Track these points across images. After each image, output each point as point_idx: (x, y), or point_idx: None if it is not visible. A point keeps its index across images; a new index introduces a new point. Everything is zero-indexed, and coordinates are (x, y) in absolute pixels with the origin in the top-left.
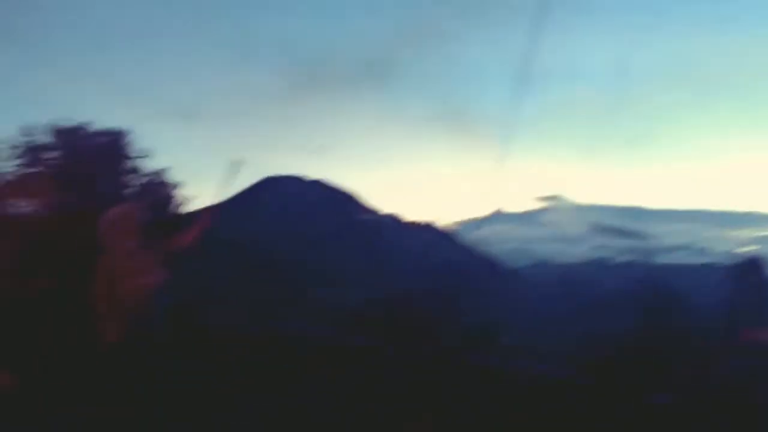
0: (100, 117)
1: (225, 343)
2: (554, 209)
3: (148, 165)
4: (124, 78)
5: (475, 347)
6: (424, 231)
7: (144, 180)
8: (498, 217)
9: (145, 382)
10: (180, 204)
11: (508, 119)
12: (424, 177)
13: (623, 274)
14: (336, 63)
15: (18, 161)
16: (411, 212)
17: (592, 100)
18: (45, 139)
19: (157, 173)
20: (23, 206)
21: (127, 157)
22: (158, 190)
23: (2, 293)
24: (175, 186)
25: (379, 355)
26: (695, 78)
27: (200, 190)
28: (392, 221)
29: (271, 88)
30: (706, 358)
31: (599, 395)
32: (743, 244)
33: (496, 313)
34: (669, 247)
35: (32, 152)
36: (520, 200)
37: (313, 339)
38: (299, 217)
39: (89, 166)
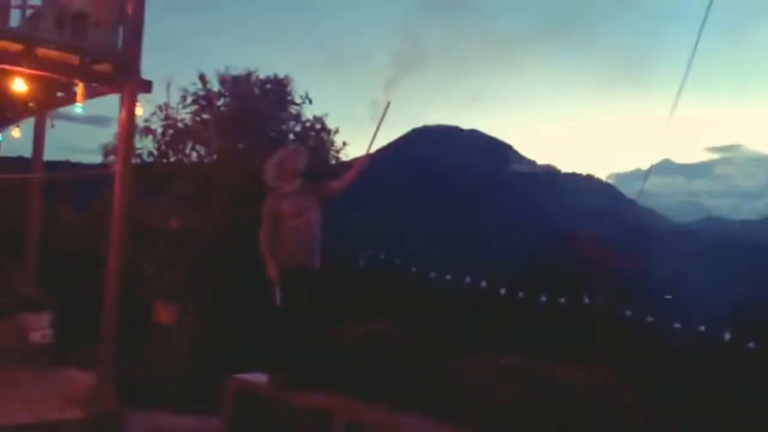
0: (261, 64)
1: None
2: (729, 160)
3: (309, 111)
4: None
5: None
6: (584, 182)
7: (305, 125)
8: (666, 168)
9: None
10: (338, 149)
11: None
12: (589, 126)
13: None
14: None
15: (191, 108)
16: (572, 163)
17: None
18: (215, 86)
19: (317, 119)
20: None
21: (291, 104)
22: (318, 136)
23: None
24: (333, 132)
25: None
26: None
27: (357, 136)
28: (550, 172)
29: (441, 41)
30: None
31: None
32: None
33: (658, 272)
34: None
35: (204, 99)
36: (692, 150)
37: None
38: (454, 167)
39: (256, 113)
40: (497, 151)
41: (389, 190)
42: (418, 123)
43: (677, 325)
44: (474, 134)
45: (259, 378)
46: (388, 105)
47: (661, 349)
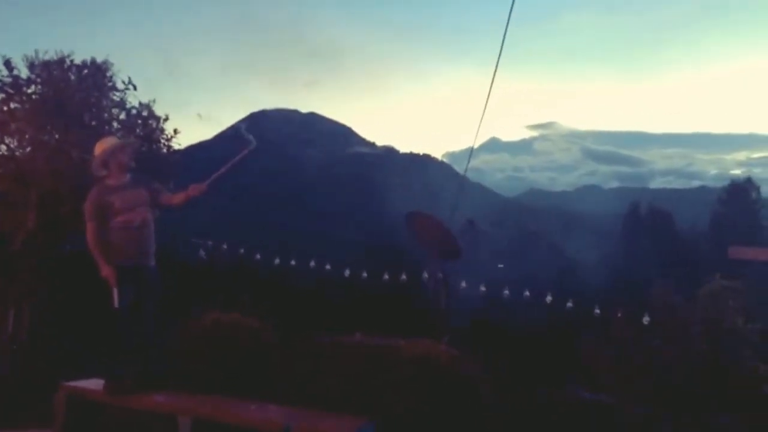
0: (78, 48)
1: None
2: (546, 137)
3: (134, 98)
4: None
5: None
6: (421, 162)
7: (130, 113)
8: (493, 145)
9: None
10: (169, 137)
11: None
12: (419, 108)
13: (613, 199)
14: None
15: None
16: (408, 145)
17: (587, 24)
18: (24, 72)
19: (143, 106)
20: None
21: (112, 90)
22: (145, 124)
23: None
24: (162, 119)
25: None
26: None
27: (187, 123)
28: (389, 153)
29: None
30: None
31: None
32: (736, 166)
33: (492, 245)
34: (661, 171)
35: (12, 87)
36: (515, 128)
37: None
38: (293, 151)
39: (73, 100)
40: (337, 134)
41: (227, 177)
42: (256, 107)
43: (506, 292)
44: (313, 117)
45: (95, 384)
46: (252, 147)
47: (494, 320)
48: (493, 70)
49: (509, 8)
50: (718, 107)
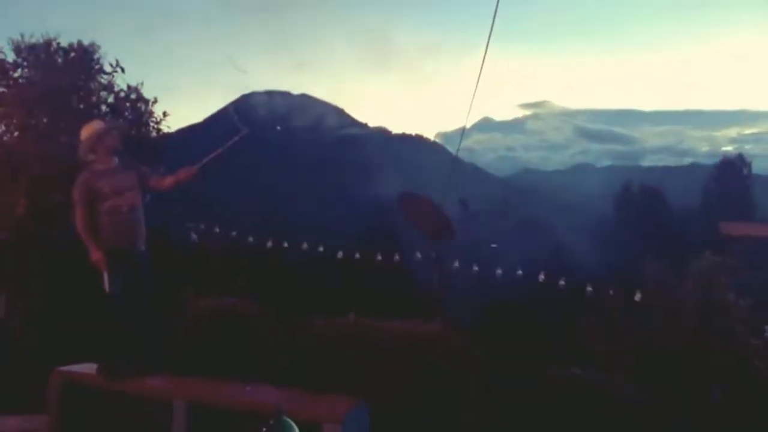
0: (66, 29)
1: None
2: (539, 116)
3: (122, 81)
4: None
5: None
6: (414, 142)
7: (118, 96)
8: (485, 125)
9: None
10: (158, 120)
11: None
12: (411, 89)
13: (606, 178)
14: None
15: None
16: (399, 124)
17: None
18: (10, 55)
19: (132, 89)
20: None
21: (100, 73)
22: (134, 106)
23: None
24: (151, 102)
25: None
26: None
27: (177, 106)
28: (381, 134)
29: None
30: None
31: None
32: (728, 143)
33: (484, 224)
34: (653, 149)
35: None
36: (507, 107)
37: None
38: (286, 132)
39: (60, 84)
40: (329, 115)
41: (218, 160)
42: (247, 89)
43: (498, 272)
44: (304, 98)
45: (89, 369)
46: (245, 133)
47: (485, 297)
48: (485, 49)
49: None
50: (708, 84)
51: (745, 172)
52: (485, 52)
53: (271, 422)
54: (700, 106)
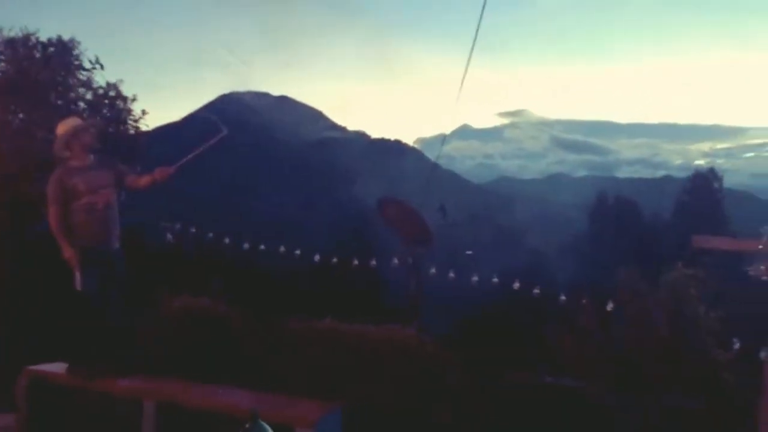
0: (45, 25)
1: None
2: (516, 125)
3: (101, 77)
4: None
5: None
6: (392, 148)
7: (97, 93)
8: (464, 132)
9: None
10: (136, 119)
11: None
12: (392, 93)
13: (581, 188)
14: None
15: None
16: (379, 130)
17: (560, 12)
18: None
19: (110, 86)
20: None
21: (79, 69)
22: (112, 104)
23: None
24: (130, 99)
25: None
26: None
27: (157, 104)
28: (360, 139)
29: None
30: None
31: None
32: (700, 157)
33: (460, 231)
34: (628, 161)
35: None
36: (486, 116)
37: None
38: (265, 134)
39: (38, 80)
40: (309, 118)
41: (196, 161)
42: (226, 89)
43: (474, 279)
44: (284, 100)
45: (59, 368)
46: (223, 134)
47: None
48: (467, 57)
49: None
50: (683, 98)
51: (716, 186)
52: (468, 60)
53: (247, 426)
54: (675, 119)
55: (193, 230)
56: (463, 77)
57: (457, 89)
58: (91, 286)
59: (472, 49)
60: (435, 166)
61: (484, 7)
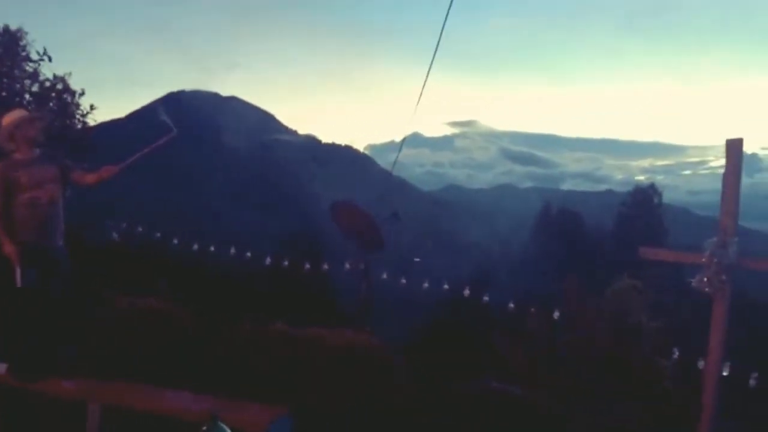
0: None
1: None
2: (466, 135)
3: (48, 70)
4: None
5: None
6: (343, 153)
7: (43, 85)
8: (415, 140)
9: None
10: (84, 113)
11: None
12: (343, 99)
13: (527, 198)
14: None
15: None
16: (330, 134)
17: (511, 29)
18: None
19: (58, 79)
20: None
21: (26, 60)
22: (59, 97)
23: None
24: (77, 93)
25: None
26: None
27: (106, 99)
28: (310, 142)
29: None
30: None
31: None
32: (641, 173)
33: (406, 237)
34: (572, 174)
35: None
36: (436, 125)
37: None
38: (213, 134)
39: None
40: (258, 120)
41: (142, 160)
42: (174, 87)
43: (403, 281)
44: (234, 101)
45: None
46: (173, 134)
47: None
48: (420, 67)
49: (447, 8)
50: (625, 115)
51: (656, 201)
52: (429, 70)
53: (205, 428)
54: (617, 135)
55: (140, 229)
56: (423, 87)
57: (409, 98)
58: (32, 284)
59: (432, 60)
60: (389, 174)
61: (446, 17)
